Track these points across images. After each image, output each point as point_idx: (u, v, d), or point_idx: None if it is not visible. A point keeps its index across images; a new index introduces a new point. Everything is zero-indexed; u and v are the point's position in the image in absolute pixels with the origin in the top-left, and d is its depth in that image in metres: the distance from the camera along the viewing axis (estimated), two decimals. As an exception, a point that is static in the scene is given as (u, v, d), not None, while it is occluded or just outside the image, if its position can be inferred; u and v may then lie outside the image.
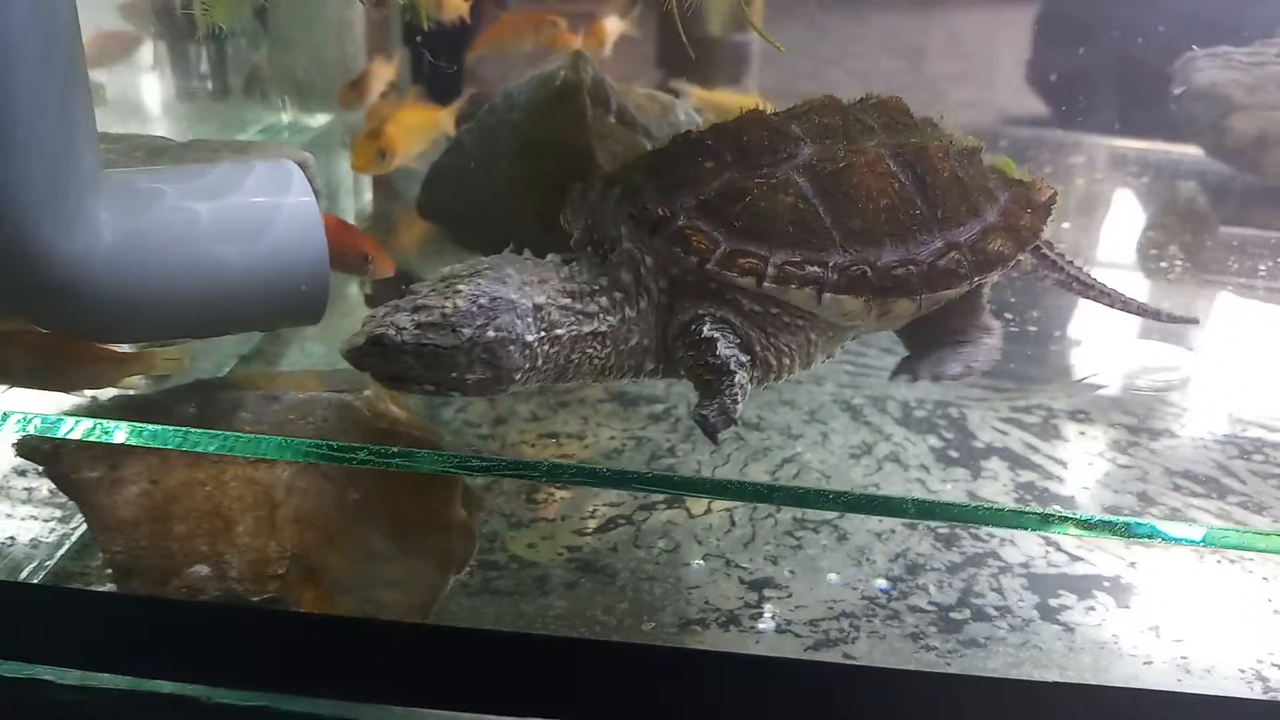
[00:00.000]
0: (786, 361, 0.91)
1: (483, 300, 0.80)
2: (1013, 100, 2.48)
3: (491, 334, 0.80)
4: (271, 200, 0.86)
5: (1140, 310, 1.18)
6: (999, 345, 0.99)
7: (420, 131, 1.46)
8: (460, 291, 0.80)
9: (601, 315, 0.86)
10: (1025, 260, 1.07)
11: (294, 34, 1.69)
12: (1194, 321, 1.27)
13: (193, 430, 0.88)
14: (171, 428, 0.88)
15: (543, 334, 0.83)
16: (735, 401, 0.85)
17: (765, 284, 0.84)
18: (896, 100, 1.02)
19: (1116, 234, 1.92)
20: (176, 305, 0.84)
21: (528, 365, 0.83)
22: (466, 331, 0.79)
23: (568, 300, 0.85)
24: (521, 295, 0.82)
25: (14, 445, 0.94)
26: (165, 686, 0.92)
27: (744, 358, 0.86)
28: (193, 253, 0.84)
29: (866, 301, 0.87)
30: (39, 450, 0.93)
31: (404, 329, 0.78)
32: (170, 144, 1.00)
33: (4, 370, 0.95)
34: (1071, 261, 1.12)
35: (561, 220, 1.00)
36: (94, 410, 0.96)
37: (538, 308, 0.83)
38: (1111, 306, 1.16)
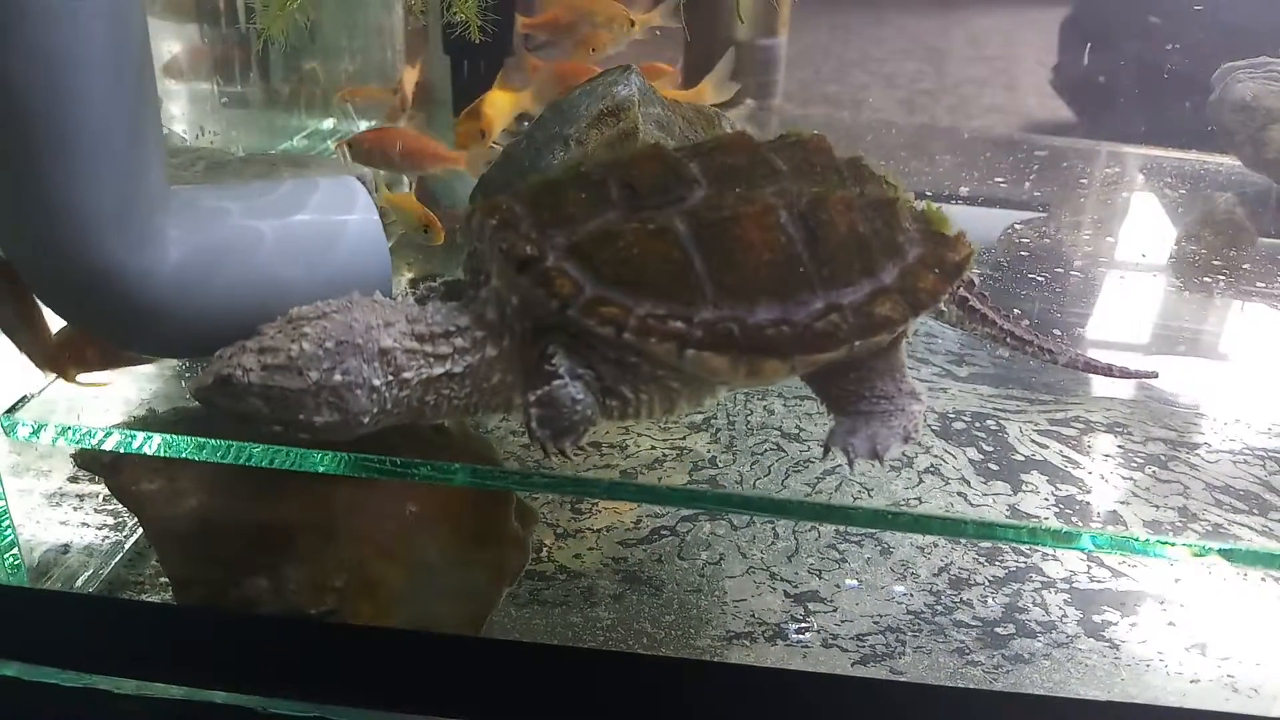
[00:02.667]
0: (645, 398, 0.88)
1: (328, 344, 0.79)
2: (1039, 106, 2.47)
3: (338, 378, 0.79)
4: (336, 219, 0.86)
5: (1088, 366, 1.14)
6: (924, 410, 0.94)
7: (510, 112, 1.49)
8: (306, 334, 0.79)
9: (456, 357, 0.85)
10: (950, 311, 1.04)
11: (339, 42, 1.70)
12: (1153, 375, 1.21)
13: (255, 445, 0.88)
14: (235, 442, 0.89)
15: (390, 378, 0.82)
16: (570, 404, 0.82)
17: (625, 335, 0.81)
18: (818, 140, 0.97)
19: (1153, 246, 1.92)
20: (241, 324, 0.85)
21: (376, 409, 0.82)
22: (313, 375, 0.79)
23: (414, 343, 0.83)
24: (367, 339, 0.81)
25: (73, 456, 0.95)
26: (220, 696, 0.92)
27: (581, 372, 0.84)
28: (258, 271, 0.84)
29: (733, 360, 0.84)
30: (98, 461, 0.93)
31: (250, 370, 0.78)
32: (230, 157, 1.01)
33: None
34: (1008, 315, 1.08)
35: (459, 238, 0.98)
36: (151, 422, 0.97)
37: (384, 351, 0.82)
38: (1055, 363, 1.11)
